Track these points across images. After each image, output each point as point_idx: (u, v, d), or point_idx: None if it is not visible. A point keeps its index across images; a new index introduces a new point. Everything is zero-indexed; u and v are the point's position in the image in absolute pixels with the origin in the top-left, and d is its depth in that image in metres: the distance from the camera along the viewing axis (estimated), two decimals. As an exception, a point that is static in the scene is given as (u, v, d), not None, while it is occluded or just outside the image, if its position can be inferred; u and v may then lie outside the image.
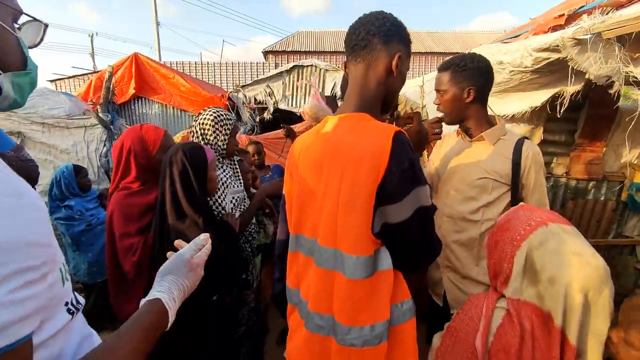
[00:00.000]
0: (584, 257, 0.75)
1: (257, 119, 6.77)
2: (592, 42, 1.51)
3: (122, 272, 1.67)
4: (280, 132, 3.85)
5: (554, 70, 1.94)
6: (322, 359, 0.92)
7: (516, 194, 1.41)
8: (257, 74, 12.72)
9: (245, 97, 6.70)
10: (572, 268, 0.74)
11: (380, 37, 0.95)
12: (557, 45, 1.64)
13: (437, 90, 1.50)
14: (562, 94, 2.07)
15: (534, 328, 0.78)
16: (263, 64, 13.52)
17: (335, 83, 7.05)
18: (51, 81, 11.09)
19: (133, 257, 1.64)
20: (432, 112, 5.56)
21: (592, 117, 2.60)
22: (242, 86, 6.82)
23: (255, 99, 6.92)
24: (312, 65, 7.06)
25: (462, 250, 1.50)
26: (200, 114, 1.75)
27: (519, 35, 2.51)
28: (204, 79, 12.02)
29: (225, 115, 1.75)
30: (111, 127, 3.09)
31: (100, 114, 3.16)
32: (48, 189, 2.57)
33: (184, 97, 6.45)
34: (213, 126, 1.70)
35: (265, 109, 6.94)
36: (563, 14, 2.12)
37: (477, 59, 1.40)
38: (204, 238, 0.82)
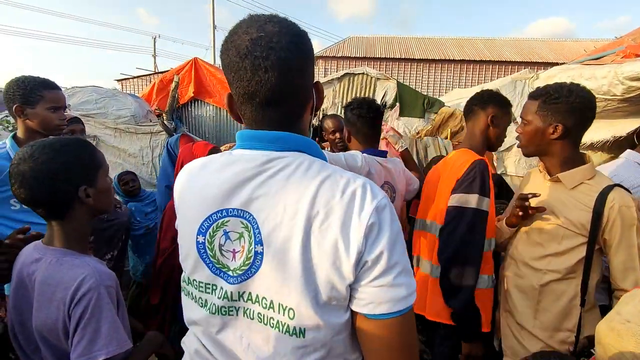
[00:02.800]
0: None
1: (306, 126, 6.84)
2: (703, 76, 1.34)
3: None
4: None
5: (647, 99, 1.76)
6: (424, 286, 1.54)
7: (592, 249, 1.23)
8: (306, 79, 12.89)
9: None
10: None
11: (478, 105, 1.56)
12: (658, 76, 1.48)
13: (522, 118, 1.37)
14: (654, 125, 1.88)
15: None
16: (312, 69, 13.67)
17: (386, 92, 6.95)
18: (118, 80, 12.04)
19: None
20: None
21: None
22: (293, 92, 6.92)
23: (304, 105, 7.00)
24: (363, 74, 7.01)
25: (521, 298, 1.39)
26: None
27: (601, 57, 2.30)
28: (255, 83, 12.42)
29: None
30: (174, 134, 3.27)
31: (165, 122, 3.35)
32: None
33: (237, 101, 6.66)
34: None
35: (315, 115, 7.00)
36: (660, 36, 1.92)
37: (577, 93, 1.23)
38: None
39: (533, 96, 1.34)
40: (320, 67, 13.95)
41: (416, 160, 4.71)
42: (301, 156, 0.68)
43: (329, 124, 2.60)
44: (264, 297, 0.65)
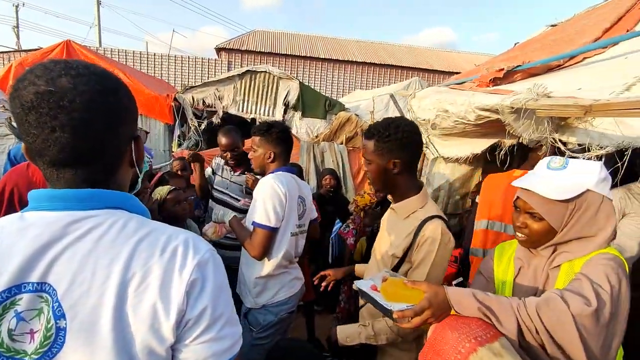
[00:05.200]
0: None
1: (205, 123, 6.46)
2: (526, 113, 1.62)
3: None
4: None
5: (493, 125, 2.07)
6: None
7: (398, 268, 1.31)
8: (207, 71, 12.19)
9: (194, 100, 6.35)
10: None
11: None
12: (497, 109, 1.73)
13: (364, 158, 1.37)
14: (500, 145, 2.22)
15: None
16: (215, 60, 13.00)
17: (288, 91, 6.96)
18: (-38, 57, 9.65)
19: None
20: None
21: (523, 160, 2.83)
22: (191, 87, 6.46)
23: (203, 102, 6.59)
24: (265, 72, 6.90)
25: (368, 316, 1.45)
26: None
27: (463, 83, 2.64)
28: (149, 72, 11.22)
29: None
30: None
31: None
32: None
33: (123, 94, 5.93)
34: None
35: (214, 112, 6.64)
36: (502, 69, 2.27)
37: (403, 128, 1.27)
38: None
39: (367, 136, 1.33)
40: (223, 60, 13.32)
41: (313, 165, 4.83)
42: (115, 214, 0.61)
43: (222, 141, 2.41)
44: None
